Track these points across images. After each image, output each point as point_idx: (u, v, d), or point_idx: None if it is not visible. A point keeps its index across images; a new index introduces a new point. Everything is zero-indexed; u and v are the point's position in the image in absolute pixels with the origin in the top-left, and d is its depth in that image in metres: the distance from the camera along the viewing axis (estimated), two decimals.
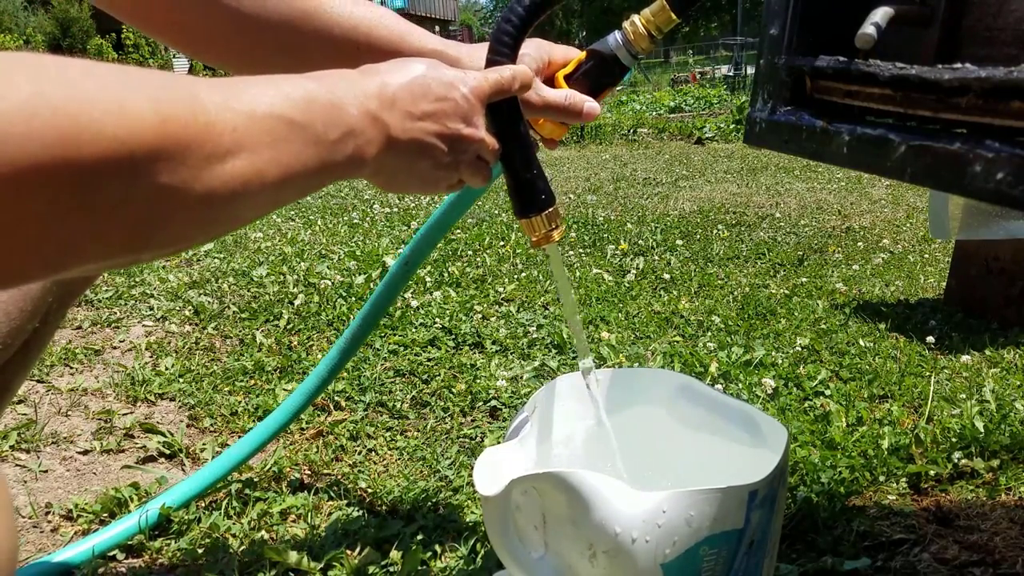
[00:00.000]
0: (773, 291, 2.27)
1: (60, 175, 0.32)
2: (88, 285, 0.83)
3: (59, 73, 0.33)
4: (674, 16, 0.70)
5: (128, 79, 0.36)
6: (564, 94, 0.70)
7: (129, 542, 1.00)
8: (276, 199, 0.44)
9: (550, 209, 0.66)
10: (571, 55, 0.76)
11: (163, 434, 1.31)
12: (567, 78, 0.75)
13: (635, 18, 0.72)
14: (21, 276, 0.34)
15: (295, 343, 1.78)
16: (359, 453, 1.28)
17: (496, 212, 3.60)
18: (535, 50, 0.73)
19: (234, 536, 1.03)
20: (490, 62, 0.64)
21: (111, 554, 0.99)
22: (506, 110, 0.63)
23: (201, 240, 0.43)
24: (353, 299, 2.09)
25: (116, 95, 0.34)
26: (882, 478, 1.18)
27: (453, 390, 1.51)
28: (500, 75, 0.60)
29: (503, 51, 0.64)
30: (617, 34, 0.73)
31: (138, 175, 0.35)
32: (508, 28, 0.64)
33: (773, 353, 1.70)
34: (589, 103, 0.71)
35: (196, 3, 0.66)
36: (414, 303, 2.02)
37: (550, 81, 0.75)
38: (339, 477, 1.20)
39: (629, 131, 7.64)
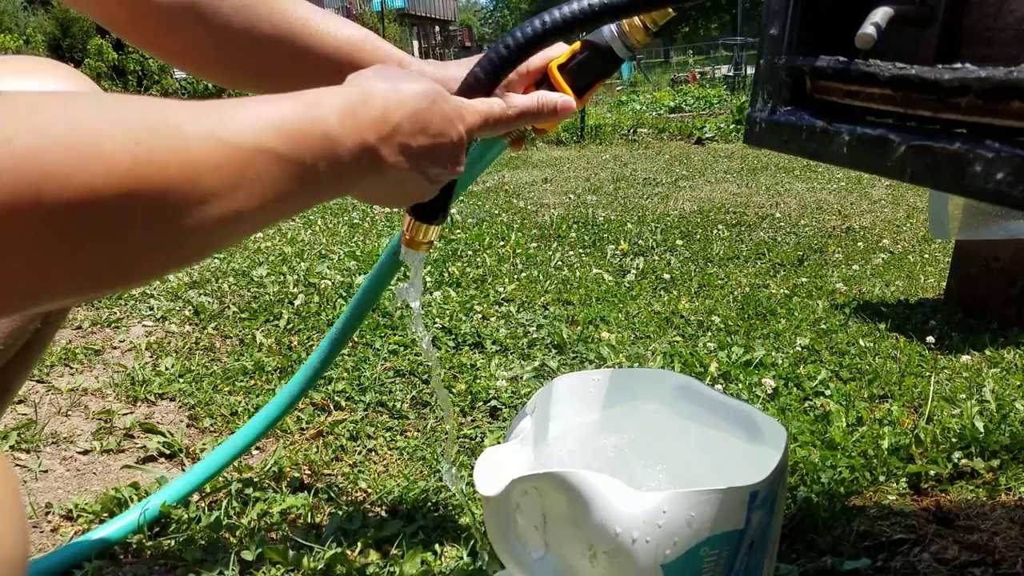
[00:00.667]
0: (773, 291, 2.27)
1: (29, 219, 0.31)
2: None
3: (29, 118, 0.32)
4: (670, 10, 0.69)
5: (108, 116, 0.35)
6: (535, 97, 0.69)
7: (128, 541, 1.00)
8: (254, 229, 0.44)
9: (442, 225, 0.71)
10: (554, 49, 0.75)
11: (163, 434, 1.31)
12: (560, 68, 0.74)
13: None
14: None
15: (295, 343, 1.78)
16: (359, 453, 1.28)
17: (496, 212, 3.60)
18: None
19: (234, 536, 1.03)
20: (473, 85, 0.63)
21: (111, 554, 0.99)
22: None
23: (177, 270, 0.43)
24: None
25: (89, 139, 0.33)
26: (882, 478, 1.18)
27: (453, 390, 1.51)
28: (490, 112, 0.61)
29: (490, 78, 0.64)
30: (612, 26, 0.72)
31: (112, 219, 0.34)
32: (503, 54, 0.64)
33: (773, 353, 1.70)
34: (562, 99, 0.70)
35: (187, 20, 0.66)
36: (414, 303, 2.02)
37: (536, 77, 0.75)
38: (339, 477, 1.20)
39: (629, 131, 7.64)
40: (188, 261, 0.41)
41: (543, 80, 0.75)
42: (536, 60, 0.73)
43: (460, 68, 0.69)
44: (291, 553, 0.97)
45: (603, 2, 0.63)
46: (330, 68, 0.69)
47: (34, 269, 0.33)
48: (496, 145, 0.82)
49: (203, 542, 1.01)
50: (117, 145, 0.34)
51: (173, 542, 1.01)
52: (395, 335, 1.79)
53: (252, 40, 0.68)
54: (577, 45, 0.75)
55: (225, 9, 0.66)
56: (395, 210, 3.62)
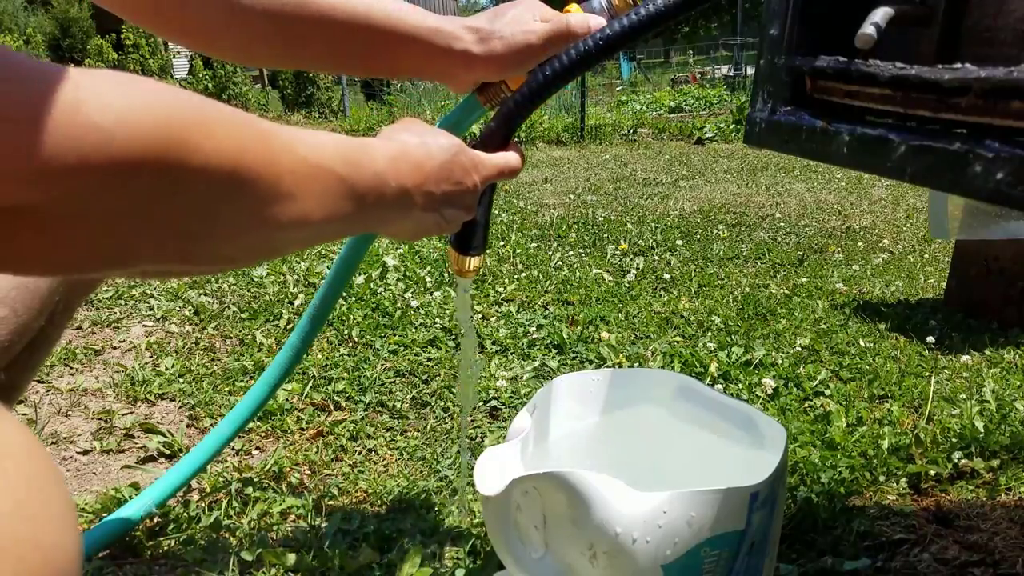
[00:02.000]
0: (773, 291, 2.27)
1: (149, 175, 0.35)
2: (94, 288, 0.83)
3: (169, 90, 0.37)
4: None
5: (217, 106, 0.40)
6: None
7: (128, 541, 1.00)
8: (310, 240, 0.49)
9: (482, 255, 0.78)
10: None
11: (163, 434, 1.31)
12: None
13: None
14: (77, 266, 0.37)
15: None
16: (359, 453, 1.28)
17: (496, 212, 3.60)
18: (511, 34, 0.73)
19: (234, 536, 1.03)
20: (487, 140, 0.70)
21: (110, 554, 0.98)
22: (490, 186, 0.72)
23: (240, 264, 0.47)
24: (352, 299, 2.09)
25: (212, 115, 0.38)
26: (882, 478, 1.18)
27: (453, 390, 1.51)
28: (506, 164, 0.68)
29: (504, 131, 0.70)
30: None
31: (215, 190, 0.39)
32: (512, 109, 0.70)
33: (773, 353, 1.70)
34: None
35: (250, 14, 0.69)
36: (414, 303, 2.02)
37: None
38: (339, 477, 1.20)
39: (629, 131, 7.64)
40: (255, 252, 0.46)
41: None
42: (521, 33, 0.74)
43: (502, 20, 0.73)
44: (291, 554, 0.97)
45: (598, 43, 0.66)
46: (345, 29, 0.72)
47: (124, 227, 0.36)
48: (478, 109, 0.81)
49: (203, 542, 1.01)
50: (228, 128, 0.39)
51: (173, 542, 1.01)
52: (395, 335, 1.79)
53: (264, 7, 0.70)
54: (571, 6, 0.75)
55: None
56: None
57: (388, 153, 0.55)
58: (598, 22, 0.72)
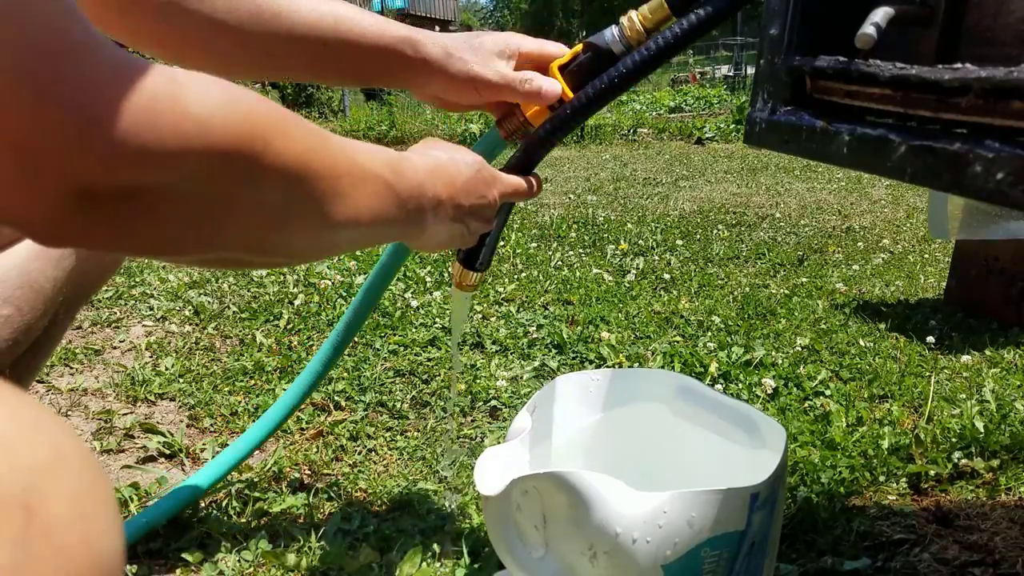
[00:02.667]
0: (773, 291, 2.27)
1: (236, 164, 0.39)
2: (97, 289, 0.83)
3: (247, 90, 0.41)
4: (671, 14, 0.70)
5: (287, 112, 0.44)
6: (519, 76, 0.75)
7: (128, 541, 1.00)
8: (358, 241, 0.55)
9: (484, 272, 0.82)
10: (546, 47, 0.77)
11: (163, 434, 1.31)
12: (561, 68, 0.75)
13: (632, 14, 0.72)
14: (177, 247, 0.40)
15: (295, 343, 1.78)
16: (359, 453, 1.28)
17: None
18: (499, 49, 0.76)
19: (234, 536, 1.03)
20: (513, 166, 0.75)
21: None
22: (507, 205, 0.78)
23: (300, 260, 0.54)
24: (353, 299, 2.09)
25: (285, 119, 0.43)
26: (882, 478, 1.18)
27: (447, 389, 1.51)
28: (520, 186, 0.73)
29: (528, 160, 0.75)
30: (614, 29, 0.73)
31: (285, 184, 0.43)
32: (534, 143, 0.75)
33: (773, 353, 1.70)
34: (547, 83, 0.76)
35: (176, 14, 0.68)
36: (414, 303, 2.02)
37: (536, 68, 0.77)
38: (339, 477, 1.20)
39: (629, 131, 7.64)
40: (313, 250, 0.50)
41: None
42: (531, 48, 0.77)
43: (448, 39, 0.77)
44: (291, 554, 0.97)
45: (621, 73, 0.70)
46: (315, 42, 0.74)
47: (222, 211, 0.40)
48: (500, 144, 0.83)
49: (203, 542, 1.02)
50: (298, 130, 0.43)
51: (173, 542, 1.01)
52: (395, 335, 1.79)
53: (238, 24, 0.71)
54: (579, 47, 0.76)
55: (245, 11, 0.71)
56: None
57: (426, 166, 0.60)
58: (555, 95, 0.75)
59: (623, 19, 0.73)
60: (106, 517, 0.30)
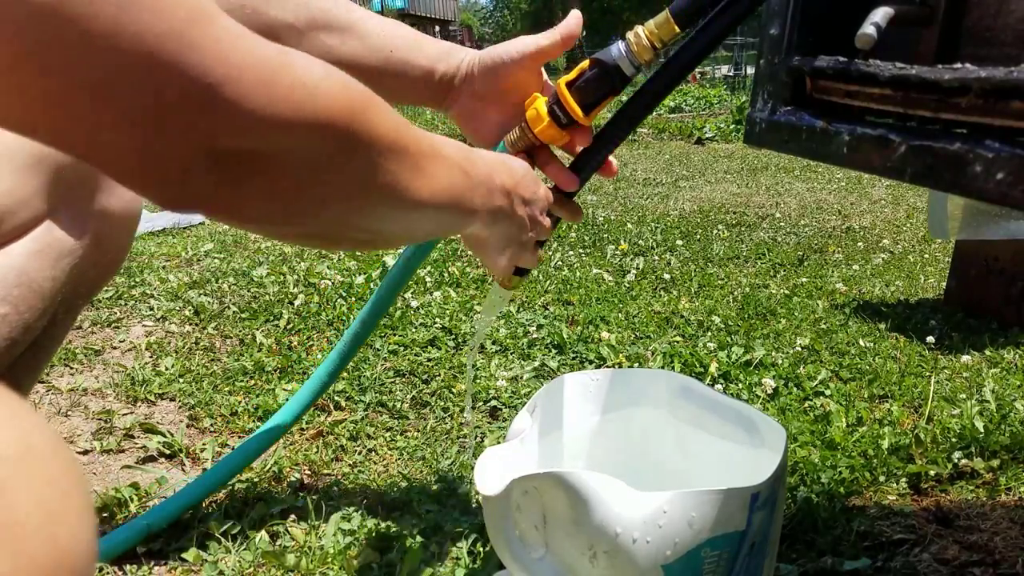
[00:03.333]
0: (773, 291, 2.27)
1: (340, 133, 0.41)
2: (99, 288, 0.83)
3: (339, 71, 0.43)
4: (677, 29, 0.71)
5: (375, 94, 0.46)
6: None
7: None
8: (436, 225, 0.57)
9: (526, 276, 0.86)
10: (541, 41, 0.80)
11: (163, 434, 1.31)
12: (568, 85, 0.76)
13: (639, 29, 0.72)
14: (284, 214, 0.43)
15: (295, 343, 1.78)
16: (359, 453, 1.28)
17: None
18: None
19: (233, 537, 1.03)
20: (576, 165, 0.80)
21: (107, 555, 0.98)
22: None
23: (385, 237, 0.54)
24: (353, 299, 2.09)
25: (378, 105, 0.45)
26: (882, 478, 1.18)
27: (453, 390, 1.51)
28: (554, 198, 0.77)
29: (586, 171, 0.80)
30: (620, 44, 0.74)
31: (381, 157, 0.45)
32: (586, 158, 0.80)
33: (773, 353, 1.70)
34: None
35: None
36: (414, 303, 2.02)
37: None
38: (339, 477, 1.20)
39: None
40: (394, 225, 0.52)
41: (555, 99, 0.77)
42: (514, 53, 0.79)
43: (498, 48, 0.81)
44: (290, 554, 0.97)
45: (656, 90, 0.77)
46: (417, 86, 0.81)
47: (311, 182, 0.42)
48: None
49: (203, 542, 1.01)
50: (387, 110, 0.46)
51: (173, 543, 1.01)
52: (395, 335, 1.79)
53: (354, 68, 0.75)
54: (586, 63, 0.76)
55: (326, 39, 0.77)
56: None
57: (492, 157, 0.64)
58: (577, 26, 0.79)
59: (629, 35, 0.74)
60: (77, 516, 0.28)
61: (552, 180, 0.81)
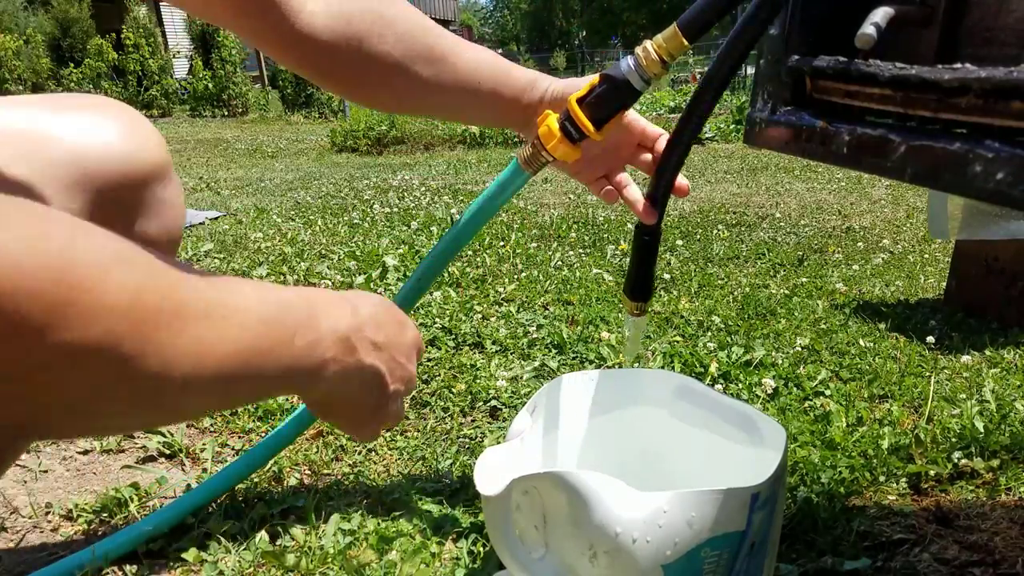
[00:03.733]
0: (773, 291, 2.27)
1: (55, 310, 0.32)
2: None
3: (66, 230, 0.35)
4: (686, 42, 0.72)
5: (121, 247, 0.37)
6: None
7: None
8: (226, 395, 0.43)
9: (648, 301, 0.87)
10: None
11: (163, 434, 1.31)
12: (579, 101, 0.77)
13: (647, 43, 0.73)
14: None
15: None
16: (359, 453, 1.28)
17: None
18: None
19: (233, 537, 1.02)
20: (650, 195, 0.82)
21: (107, 557, 0.98)
22: (652, 237, 0.83)
23: (141, 422, 0.44)
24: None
25: (103, 259, 0.35)
26: (882, 478, 1.18)
27: (453, 390, 1.51)
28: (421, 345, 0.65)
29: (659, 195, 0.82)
30: (629, 59, 0.75)
31: (111, 330, 0.34)
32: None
33: (773, 353, 1.70)
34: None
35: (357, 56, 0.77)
36: None
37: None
38: (339, 477, 1.20)
39: None
40: (156, 409, 0.40)
41: (566, 116, 0.78)
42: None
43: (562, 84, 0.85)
44: (290, 554, 0.97)
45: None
46: (503, 115, 0.84)
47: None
48: (521, 175, 0.85)
49: (203, 542, 1.01)
50: (128, 270, 0.36)
51: (172, 543, 1.01)
52: None
53: (441, 90, 0.81)
54: (595, 79, 0.77)
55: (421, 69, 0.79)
56: (395, 210, 3.62)
57: (320, 297, 0.51)
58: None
59: (638, 50, 0.74)
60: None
61: (632, 210, 0.84)
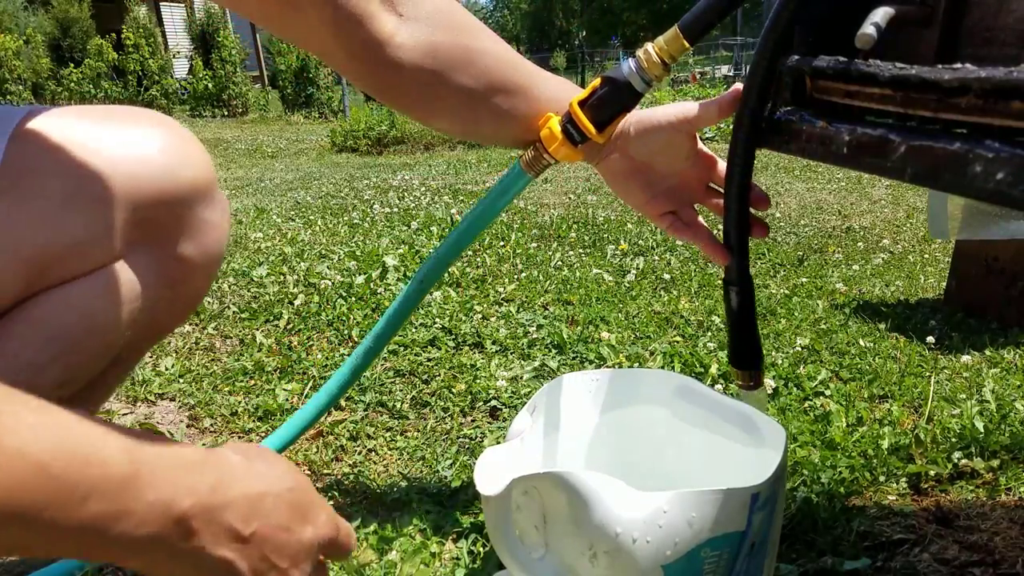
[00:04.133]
0: (773, 291, 2.27)
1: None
2: (167, 332, 0.80)
3: None
4: (687, 44, 0.72)
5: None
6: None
7: None
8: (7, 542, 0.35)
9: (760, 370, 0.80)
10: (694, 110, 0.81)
11: (163, 434, 1.31)
12: (581, 104, 0.77)
13: (648, 47, 0.73)
14: None
15: (295, 343, 1.78)
16: (359, 453, 1.28)
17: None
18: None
19: None
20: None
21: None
22: (741, 288, 0.79)
23: None
24: (353, 299, 2.09)
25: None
26: (882, 478, 1.18)
27: (453, 390, 1.51)
28: (350, 540, 0.55)
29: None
30: (631, 61, 0.75)
31: None
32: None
33: (773, 353, 1.70)
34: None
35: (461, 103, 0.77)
36: None
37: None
38: (339, 477, 1.20)
39: None
40: None
41: (567, 119, 0.77)
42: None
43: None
44: None
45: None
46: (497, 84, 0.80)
47: None
48: (523, 178, 0.85)
49: None
50: None
51: None
52: (395, 336, 1.79)
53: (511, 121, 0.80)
54: (597, 82, 0.77)
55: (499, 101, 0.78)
56: (395, 210, 3.62)
57: (180, 455, 0.40)
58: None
59: (639, 52, 0.75)
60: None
61: (702, 251, 0.83)
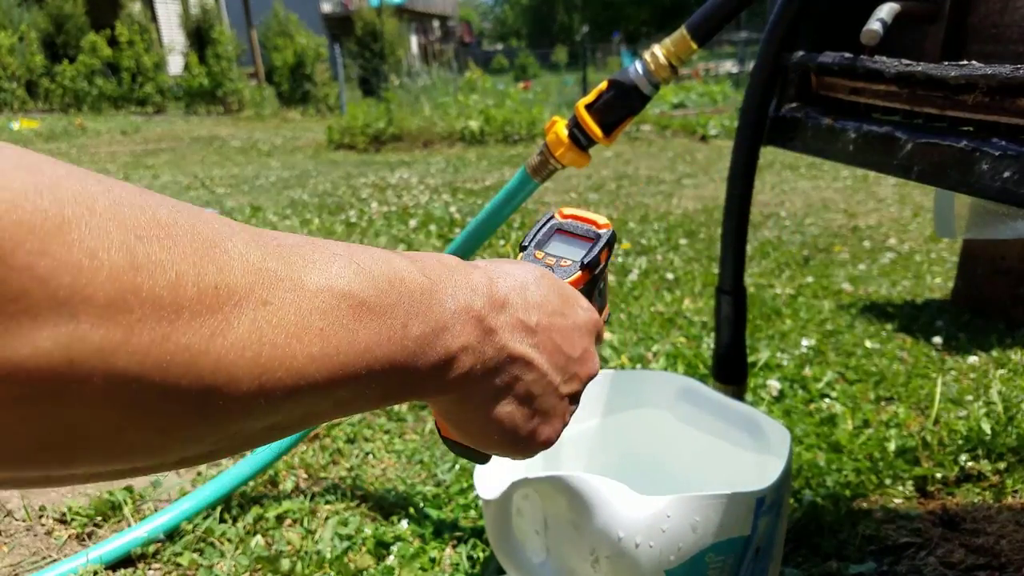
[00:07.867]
0: (778, 291, 2.25)
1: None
2: None
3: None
4: (694, 46, 0.71)
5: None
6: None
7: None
8: (315, 410, 0.29)
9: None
10: None
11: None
12: (588, 107, 0.76)
13: (655, 49, 0.72)
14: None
15: None
16: (356, 456, 1.27)
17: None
18: None
19: (229, 541, 1.02)
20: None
21: (107, 560, 0.98)
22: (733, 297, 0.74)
23: (206, 452, 0.27)
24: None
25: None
26: (888, 481, 1.17)
27: None
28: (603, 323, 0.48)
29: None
30: (638, 64, 0.74)
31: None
32: None
33: (778, 354, 1.69)
34: None
35: None
36: None
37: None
38: (336, 481, 1.19)
39: (632, 128, 7.62)
40: (219, 432, 0.26)
41: (574, 122, 0.77)
42: None
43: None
44: (285, 559, 0.96)
45: None
46: None
47: None
48: (529, 183, 0.84)
49: (199, 547, 1.01)
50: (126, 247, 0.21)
51: (168, 548, 1.00)
52: None
53: None
54: (603, 85, 0.76)
55: None
56: (392, 208, 3.62)
57: (446, 260, 0.35)
58: None
59: (646, 55, 0.74)
60: None
61: None
